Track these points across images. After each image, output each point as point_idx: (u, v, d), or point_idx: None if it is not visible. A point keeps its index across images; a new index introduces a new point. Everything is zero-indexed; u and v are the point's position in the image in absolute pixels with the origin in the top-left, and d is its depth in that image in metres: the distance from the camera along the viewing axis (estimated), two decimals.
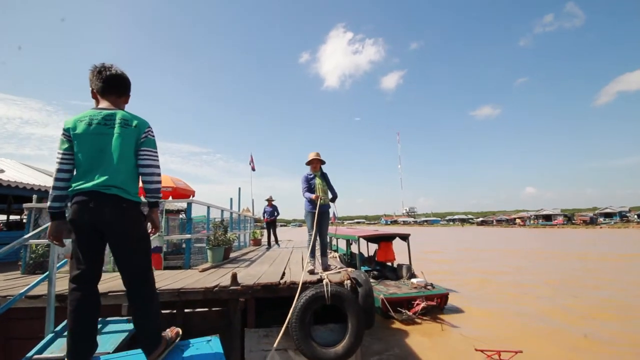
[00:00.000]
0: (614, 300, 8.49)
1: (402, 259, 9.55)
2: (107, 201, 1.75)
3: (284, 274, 3.99)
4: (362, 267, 8.69)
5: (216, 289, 3.19)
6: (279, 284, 3.29)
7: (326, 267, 4.01)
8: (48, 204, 1.83)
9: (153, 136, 1.95)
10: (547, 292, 9.57)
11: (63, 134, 1.82)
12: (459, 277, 12.00)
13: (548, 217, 67.78)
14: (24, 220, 8.21)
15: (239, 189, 10.23)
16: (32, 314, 3.11)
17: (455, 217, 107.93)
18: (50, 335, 2.74)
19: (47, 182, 8.80)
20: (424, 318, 7.01)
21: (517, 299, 8.98)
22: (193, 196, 8.84)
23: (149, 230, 1.99)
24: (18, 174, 8.60)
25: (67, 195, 1.83)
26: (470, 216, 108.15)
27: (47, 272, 2.89)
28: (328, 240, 12.73)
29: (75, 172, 1.82)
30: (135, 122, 1.89)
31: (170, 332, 2.06)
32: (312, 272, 3.74)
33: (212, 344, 2.00)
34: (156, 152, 1.94)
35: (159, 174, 1.94)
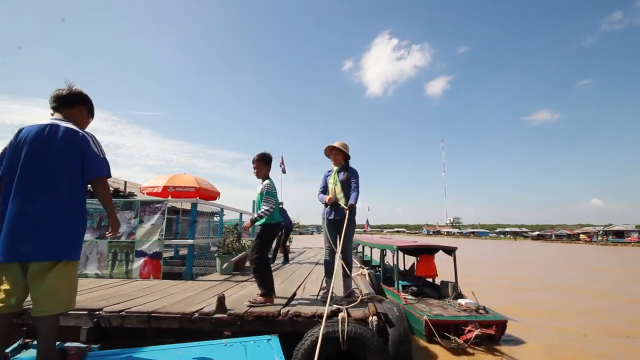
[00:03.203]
0: None
1: (443, 275, 8.20)
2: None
3: (292, 296, 3.12)
4: (400, 282, 7.58)
5: (195, 316, 2.42)
6: (278, 315, 2.43)
7: (349, 293, 3.07)
8: None
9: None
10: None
11: None
12: (516, 301, 10.19)
13: (619, 233, 59.10)
14: None
15: None
16: None
17: (507, 229, 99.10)
18: None
19: None
20: (477, 348, 5.69)
21: (601, 333, 7.16)
22: (218, 197, 8.40)
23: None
24: None
25: None
26: (524, 229, 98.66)
27: None
28: (360, 249, 11.62)
29: None
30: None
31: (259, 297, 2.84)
32: (326, 300, 2.83)
33: (272, 343, 2.03)
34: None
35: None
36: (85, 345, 2.39)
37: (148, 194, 7.83)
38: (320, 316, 2.40)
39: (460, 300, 6.68)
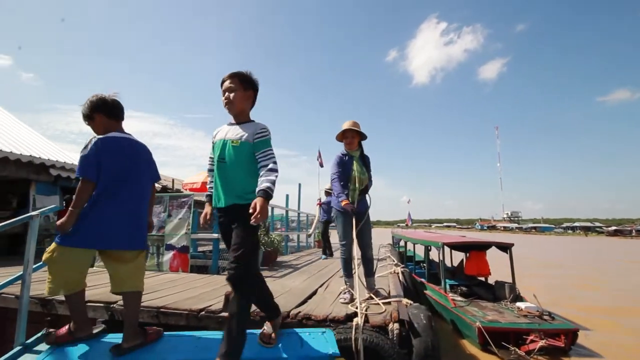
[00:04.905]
0: None
1: (498, 275, 7.34)
2: None
3: (312, 294, 2.87)
4: (447, 281, 6.95)
5: (202, 313, 2.29)
6: (287, 317, 2.19)
7: (373, 293, 2.73)
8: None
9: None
10: None
11: None
12: (589, 305, 8.85)
13: None
14: None
15: (299, 185, 9.42)
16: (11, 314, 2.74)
17: (576, 224, 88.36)
18: (17, 349, 2.25)
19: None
20: None
21: None
22: None
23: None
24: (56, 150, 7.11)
25: None
26: (597, 224, 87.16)
27: (19, 273, 2.44)
28: (403, 244, 10.98)
29: None
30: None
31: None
32: (348, 300, 2.54)
33: (326, 335, 2.06)
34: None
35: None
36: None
37: (190, 189, 8.18)
38: (333, 320, 2.12)
39: (519, 304, 5.86)
